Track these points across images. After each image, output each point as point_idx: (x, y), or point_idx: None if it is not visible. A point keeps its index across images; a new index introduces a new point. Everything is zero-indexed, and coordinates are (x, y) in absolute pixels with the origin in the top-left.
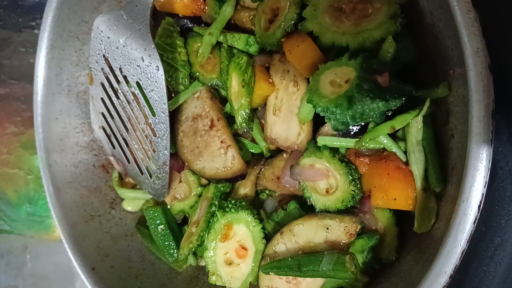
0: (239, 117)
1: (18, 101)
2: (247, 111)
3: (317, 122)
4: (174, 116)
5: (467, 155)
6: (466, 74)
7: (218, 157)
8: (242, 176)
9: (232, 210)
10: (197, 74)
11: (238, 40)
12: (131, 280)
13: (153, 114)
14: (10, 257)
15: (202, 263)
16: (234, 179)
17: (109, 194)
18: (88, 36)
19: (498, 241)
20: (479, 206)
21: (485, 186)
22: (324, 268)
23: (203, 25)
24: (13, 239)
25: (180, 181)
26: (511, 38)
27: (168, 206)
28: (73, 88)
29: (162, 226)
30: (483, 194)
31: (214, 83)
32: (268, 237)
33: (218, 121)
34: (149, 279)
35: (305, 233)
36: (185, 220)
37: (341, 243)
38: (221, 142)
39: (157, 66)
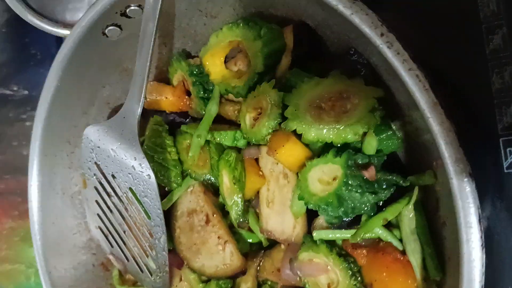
0: (234, 213)
1: (14, 195)
2: (241, 207)
3: (312, 212)
4: (170, 211)
5: (460, 257)
6: (448, 182)
7: (217, 253)
8: (242, 273)
9: None
10: (189, 170)
11: (225, 137)
12: None
13: (148, 217)
14: None
15: None
16: (235, 276)
17: None
18: (78, 139)
19: None
20: None
21: (482, 279)
22: None
23: (190, 118)
24: None
25: (181, 280)
26: None
27: None
28: (67, 190)
29: None
30: (482, 286)
31: (206, 178)
32: None
33: (213, 215)
34: None
35: None
36: None
37: None
38: (218, 237)
39: (149, 174)
